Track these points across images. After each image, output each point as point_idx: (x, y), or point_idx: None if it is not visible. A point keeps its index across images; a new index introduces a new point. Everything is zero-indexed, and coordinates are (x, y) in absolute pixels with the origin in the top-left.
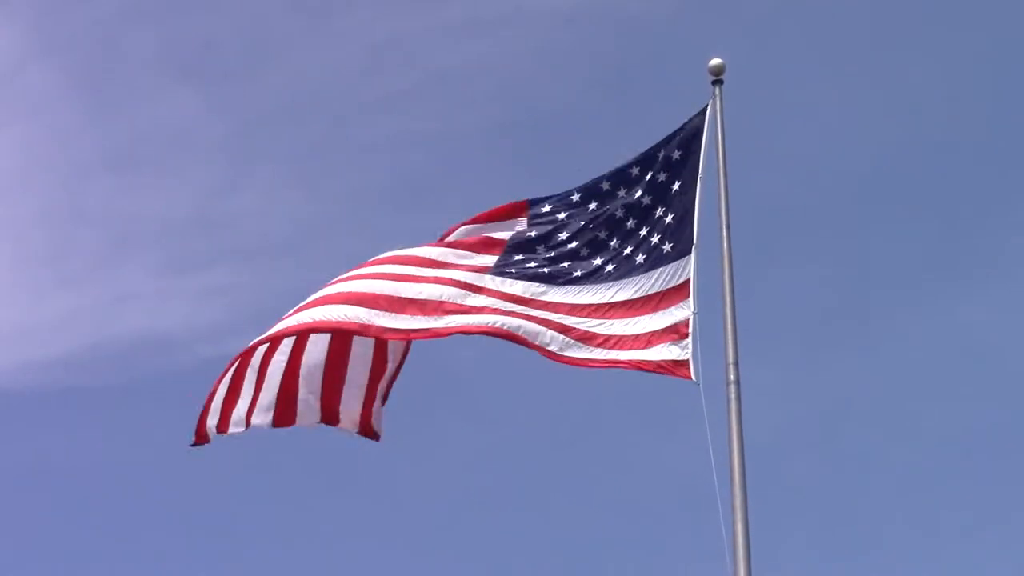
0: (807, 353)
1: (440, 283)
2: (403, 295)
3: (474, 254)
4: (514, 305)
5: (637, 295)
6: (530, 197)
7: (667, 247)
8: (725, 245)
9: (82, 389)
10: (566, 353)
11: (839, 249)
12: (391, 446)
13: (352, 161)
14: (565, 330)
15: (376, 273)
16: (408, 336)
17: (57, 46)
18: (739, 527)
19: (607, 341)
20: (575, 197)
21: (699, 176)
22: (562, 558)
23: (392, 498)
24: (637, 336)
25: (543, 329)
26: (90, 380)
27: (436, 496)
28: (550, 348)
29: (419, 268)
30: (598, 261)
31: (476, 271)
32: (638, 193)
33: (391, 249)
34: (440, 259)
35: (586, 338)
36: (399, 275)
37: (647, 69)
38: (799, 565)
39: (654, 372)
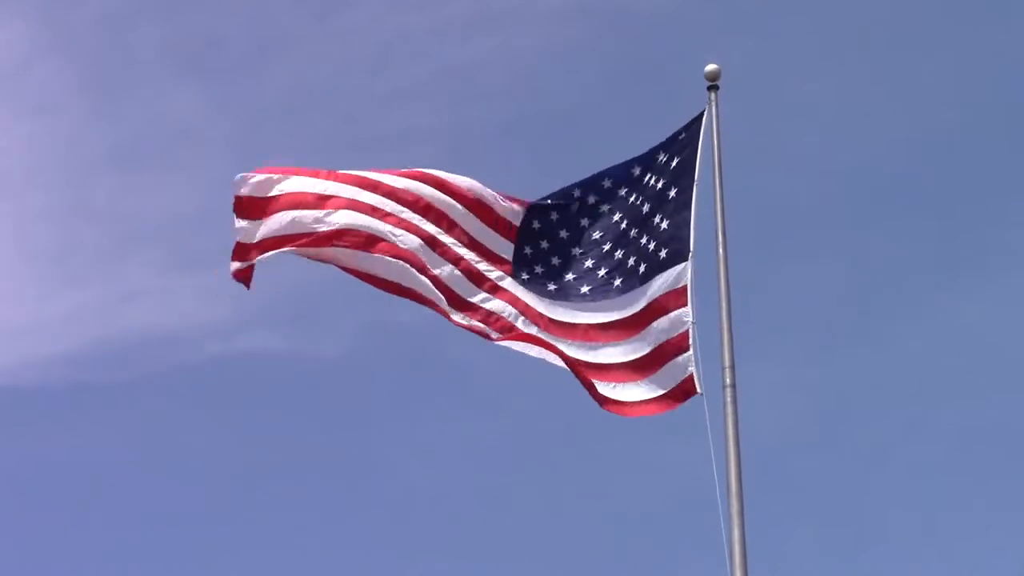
0: (810, 351)
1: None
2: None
3: (492, 232)
4: (526, 321)
5: (635, 309)
6: (537, 196)
7: (663, 254)
8: (721, 251)
9: (88, 386)
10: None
11: (841, 247)
12: (390, 446)
13: (360, 157)
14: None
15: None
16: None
17: (62, 43)
18: (736, 532)
19: (607, 373)
20: (576, 192)
21: (695, 182)
22: (561, 558)
23: (390, 497)
24: (635, 364)
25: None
26: (96, 377)
27: (435, 495)
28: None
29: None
30: (602, 272)
31: (496, 263)
32: (637, 199)
33: None
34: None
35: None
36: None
37: (655, 65)
38: (803, 563)
39: (662, 412)
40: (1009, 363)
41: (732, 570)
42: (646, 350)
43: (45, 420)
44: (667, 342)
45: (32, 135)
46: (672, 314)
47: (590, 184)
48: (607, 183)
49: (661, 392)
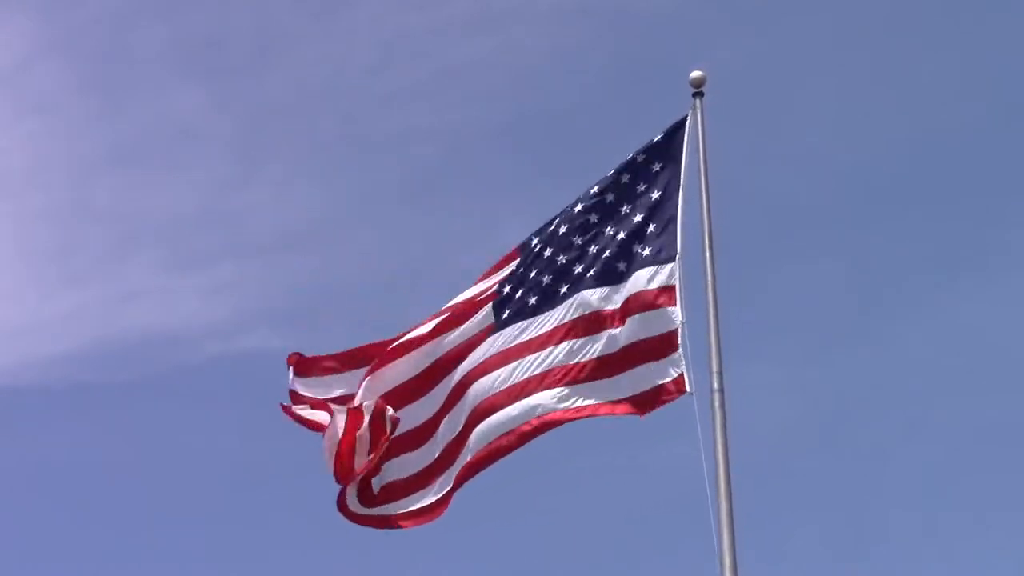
0: (809, 351)
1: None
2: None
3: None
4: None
5: (617, 303)
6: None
7: (646, 252)
8: (708, 255)
9: (89, 385)
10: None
11: (841, 247)
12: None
13: (361, 157)
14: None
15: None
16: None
17: (64, 42)
18: (726, 535)
19: (586, 370)
20: (559, 225)
21: (681, 186)
22: (559, 558)
23: None
24: (622, 357)
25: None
26: (97, 377)
27: None
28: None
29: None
30: (579, 269)
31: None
32: (624, 205)
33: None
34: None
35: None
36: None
37: (656, 64)
38: (803, 562)
39: (650, 411)
40: (1009, 363)
41: (722, 571)
42: (618, 347)
43: (45, 420)
44: (645, 341)
45: (32, 134)
46: (655, 311)
47: (569, 212)
48: (593, 191)
49: (630, 395)
